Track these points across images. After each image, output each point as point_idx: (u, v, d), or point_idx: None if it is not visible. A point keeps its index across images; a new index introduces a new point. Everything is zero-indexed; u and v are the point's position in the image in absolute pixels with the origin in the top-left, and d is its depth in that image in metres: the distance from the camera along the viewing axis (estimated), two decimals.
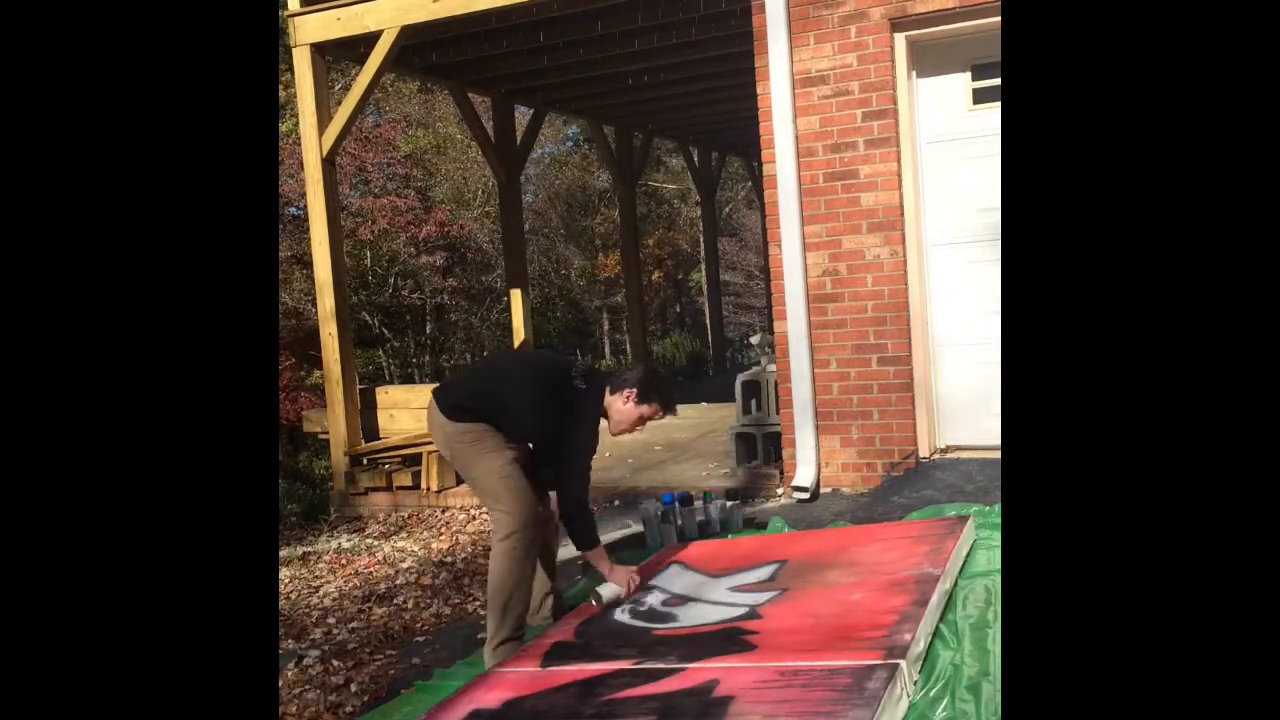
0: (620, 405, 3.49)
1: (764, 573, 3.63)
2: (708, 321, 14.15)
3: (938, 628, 2.94)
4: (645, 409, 3.51)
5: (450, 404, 3.42)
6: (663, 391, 3.57)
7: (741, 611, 3.26)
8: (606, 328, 19.50)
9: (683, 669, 2.79)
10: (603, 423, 3.56)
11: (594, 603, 3.45)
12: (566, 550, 4.58)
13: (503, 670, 3.07)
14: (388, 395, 7.34)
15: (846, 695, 2.42)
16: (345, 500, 6.69)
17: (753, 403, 5.88)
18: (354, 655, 3.95)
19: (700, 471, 6.20)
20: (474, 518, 6.09)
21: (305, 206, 8.35)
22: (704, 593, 3.55)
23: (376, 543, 5.83)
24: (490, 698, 2.85)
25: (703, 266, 15.13)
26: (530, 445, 3.52)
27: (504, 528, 3.35)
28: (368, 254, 14.89)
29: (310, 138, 6.53)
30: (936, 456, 5.01)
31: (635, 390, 3.48)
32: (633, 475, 6.33)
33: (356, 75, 7.03)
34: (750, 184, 16.75)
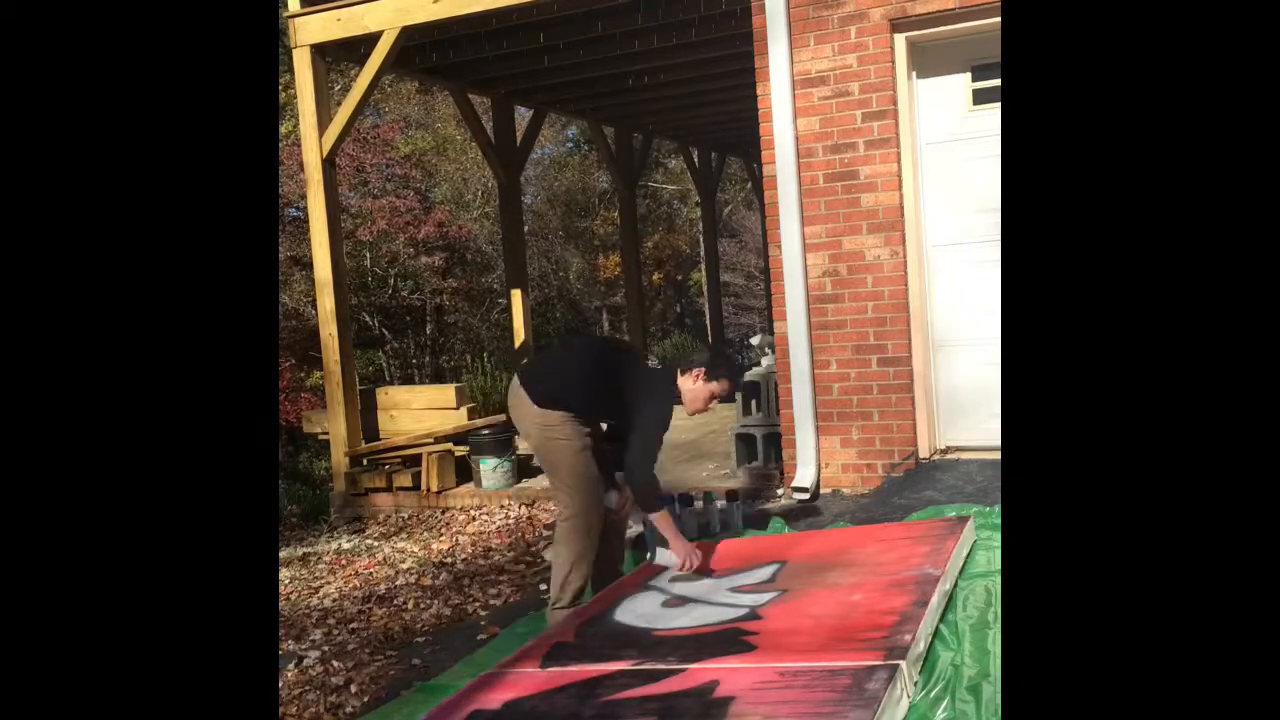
0: (690, 385, 3.67)
1: (764, 573, 3.63)
2: (708, 323, 14.14)
3: (938, 628, 2.94)
4: (714, 386, 3.67)
5: (540, 393, 3.62)
6: (730, 367, 3.78)
7: (742, 612, 3.25)
8: (606, 328, 19.49)
9: (683, 670, 2.79)
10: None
11: (649, 560, 3.72)
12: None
13: (503, 671, 3.07)
14: (388, 396, 7.34)
15: (847, 696, 2.42)
16: (345, 501, 6.69)
17: (753, 403, 5.88)
18: (354, 656, 3.95)
19: (701, 472, 6.20)
20: (474, 518, 6.09)
21: (305, 207, 8.36)
22: (704, 593, 3.55)
23: (377, 543, 5.83)
24: (491, 699, 2.84)
25: (703, 267, 15.13)
26: (604, 425, 3.77)
27: (566, 509, 3.64)
28: (367, 255, 14.89)
29: (310, 139, 6.53)
30: (936, 457, 5.01)
31: (704, 369, 3.65)
32: None
33: (356, 76, 7.03)
34: (750, 185, 16.75)
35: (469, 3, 6.03)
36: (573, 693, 2.78)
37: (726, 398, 3.83)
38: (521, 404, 3.68)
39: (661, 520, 3.64)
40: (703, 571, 3.66)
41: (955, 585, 3.30)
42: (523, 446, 7.09)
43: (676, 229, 20.32)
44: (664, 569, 3.68)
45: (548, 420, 3.61)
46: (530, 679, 2.94)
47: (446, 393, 7.21)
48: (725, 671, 2.71)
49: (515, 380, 3.77)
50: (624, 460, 3.60)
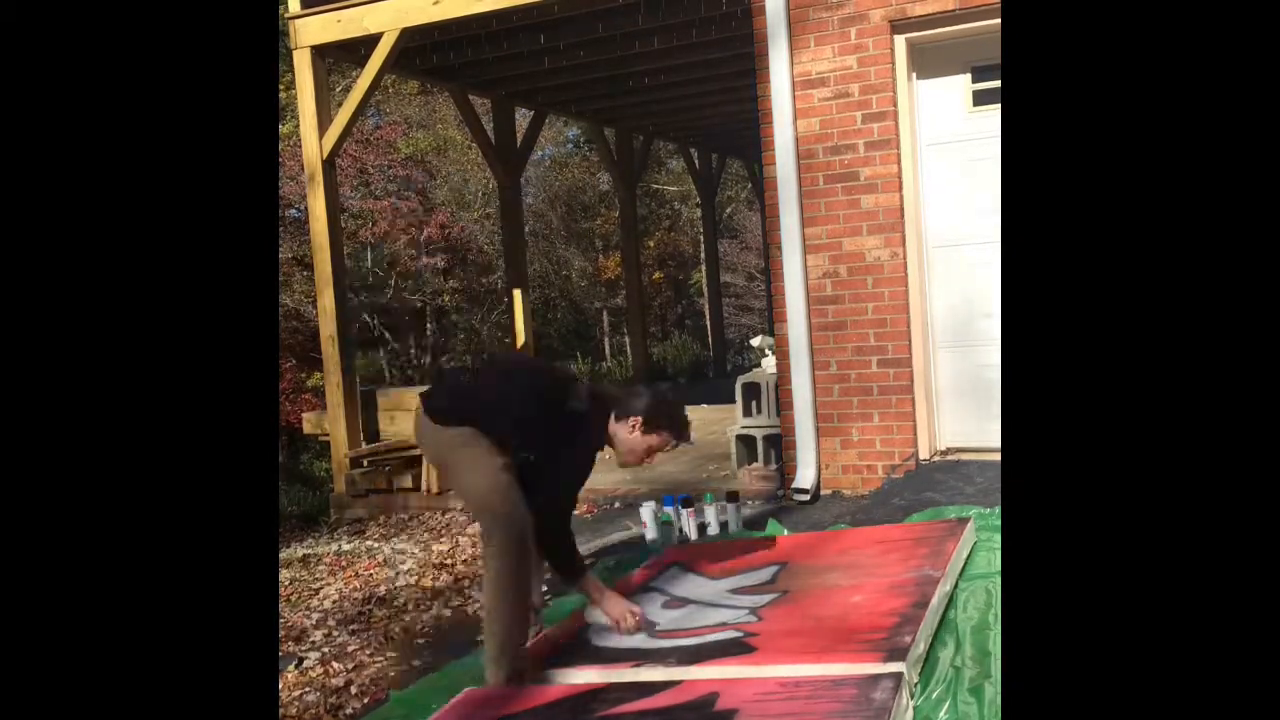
0: (625, 435, 3.19)
1: (764, 575, 3.62)
2: (708, 323, 14.15)
3: (938, 630, 2.94)
4: (654, 439, 3.20)
5: (437, 408, 3.13)
6: (672, 419, 3.24)
7: (742, 614, 3.25)
8: (607, 329, 19.50)
9: (679, 682, 2.75)
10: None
11: (588, 619, 3.27)
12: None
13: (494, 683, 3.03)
14: (388, 397, 7.34)
15: (853, 707, 2.39)
16: (345, 502, 6.68)
17: (753, 405, 5.88)
18: (354, 658, 3.95)
19: (700, 473, 6.20)
20: (474, 519, 6.09)
21: (306, 208, 8.36)
22: (704, 595, 3.54)
23: (376, 545, 5.83)
24: (481, 715, 2.80)
25: (703, 268, 15.13)
26: (515, 460, 3.14)
27: (496, 537, 3.03)
28: (368, 255, 14.89)
29: (310, 140, 6.54)
30: (937, 459, 5.01)
31: (640, 420, 3.17)
32: (633, 477, 6.33)
33: (357, 77, 7.04)
34: (751, 185, 16.76)
35: (469, 4, 6.04)
36: (568, 707, 2.74)
37: (669, 448, 3.31)
38: (421, 424, 3.17)
39: (588, 585, 3.18)
40: (642, 628, 3.15)
41: (956, 586, 3.30)
42: None
43: (677, 229, 20.32)
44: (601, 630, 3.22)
45: (453, 435, 3.08)
46: (521, 692, 2.91)
47: None
48: (725, 683, 2.68)
49: (418, 407, 3.21)
50: (538, 526, 3.03)
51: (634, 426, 3.17)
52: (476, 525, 5.83)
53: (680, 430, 3.25)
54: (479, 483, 3.05)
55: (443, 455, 3.18)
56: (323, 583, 5.15)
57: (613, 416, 3.20)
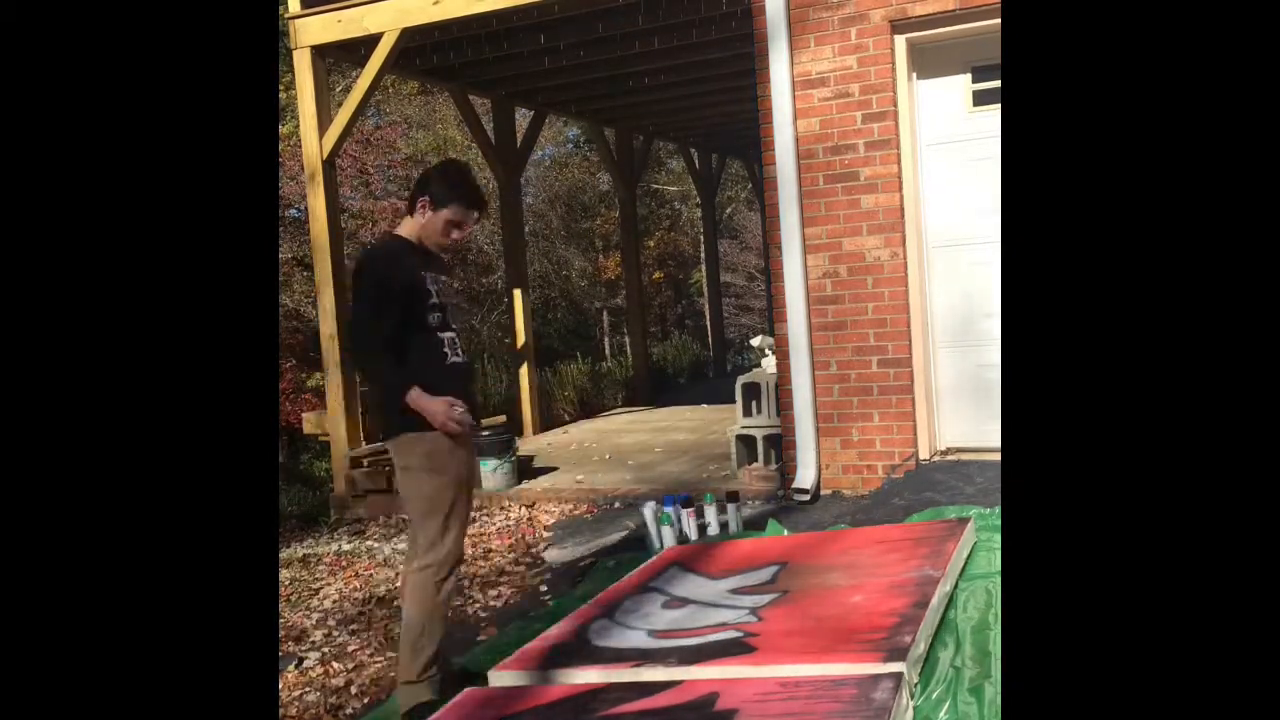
0: (421, 223, 3.05)
1: (764, 575, 3.63)
2: (708, 323, 14.15)
3: (938, 630, 2.94)
4: (447, 213, 3.03)
5: (360, 348, 3.06)
6: (456, 185, 3.06)
7: (742, 614, 3.25)
8: (607, 329, 19.50)
9: (679, 682, 2.75)
10: None
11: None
12: (567, 550, 4.59)
13: (495, 683, 3.04)
14: None
15: (853, 707, 2.40)
16: (345, 502, 6.68)
17: (753, 405, 5.88)
18: (354, 658, 3.95)
19: (701, 473, 6.20)
20: (474, 520, 6.08)
21: (306, 208, 8.36)
22: (704, 595, 3.54)
23: (377, 545, 5.83)
24: (481, 715, 2.80)
25: (703, 268, 15.13)
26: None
27: (423, 555, 3.04)
28: None
29: (310, 140, 6.54)
30: (937, 459, 5.01)
31: (428, 198, 3.02)
32: (633, 477, 6.33)
33: (357, 77, 7.04)
34: (751, 185, 16.76)
35: (469, 4, 6.04)
36: (568, 707, 2.74)
37: (472, 220, 3.12)
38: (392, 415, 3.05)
39: (412, 397, 2.96)
40: (466, 424, 3.03)
41: (955, 586, 3.30)
42: (522, 448, 7.10)
43: (678, 229, 20.33)
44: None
45: (395, 445, 3.03)
46: (521, 694, 2.91)
47: None
48: (726, 683, 2.68)
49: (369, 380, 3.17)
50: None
51: (424, 208, 3.04)
52: (476, 526, 5.83)
53: (471, 196, 3.09)
54: (419, 495, 3.04)
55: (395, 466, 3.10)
56: (323, 583, 5.15)
57: (405, 220, 3.11)
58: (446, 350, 3.10)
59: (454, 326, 3.18)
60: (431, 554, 3.04)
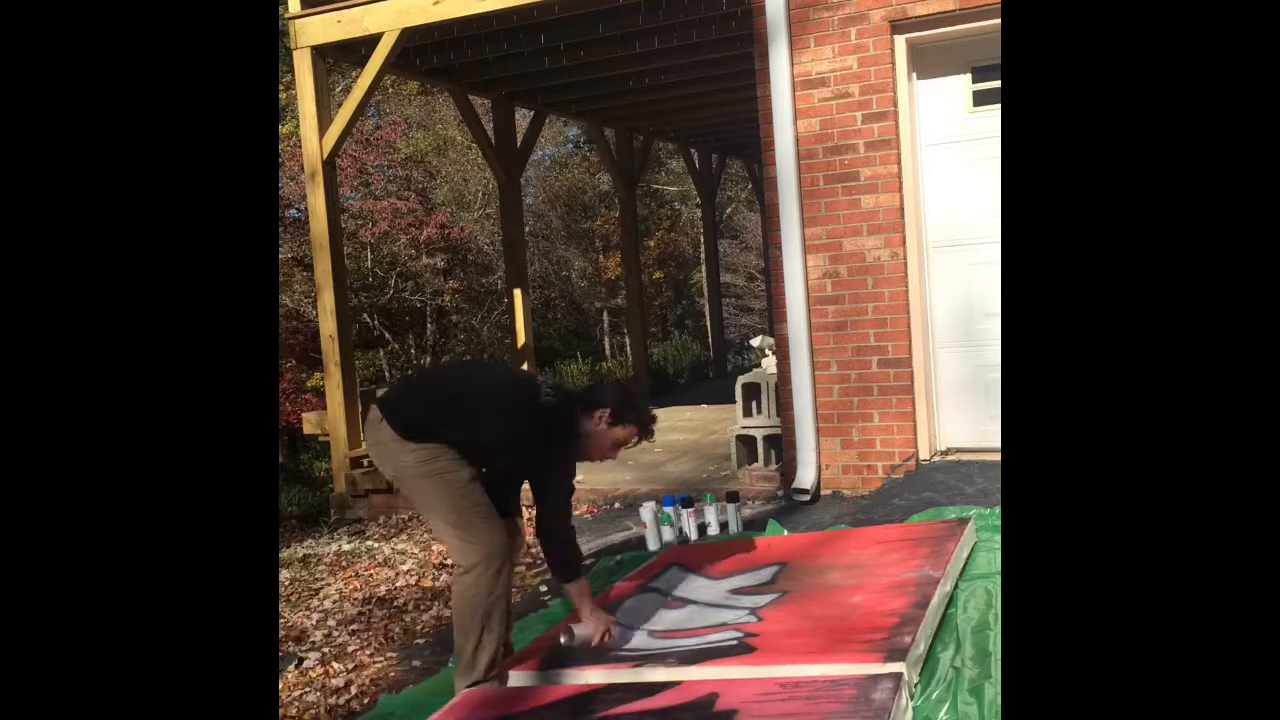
0: (593, 428, 3.08)
1: (764, 575, 3.63)
2: (708, 323, 14.15)
3: (938, 630, 2.94)
4: (619, 432, 3.11)
5: (404, 423, 2.96)
6: (640, 411, 3.15)
7: (742, 614, 3.25)
8: (607, 329, 19.50)
9: (679, 682, 2.75)
10: None
11: (563, 640, 3.06)
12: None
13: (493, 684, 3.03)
14: None
15: (854, 707, 2.40)
16: (345, 502, 6.68)
17: (753, 405, 5.88)
18: (354, 658, 3.95)
19: (700, 474, 6.20)
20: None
21: (305, 208, 8.36)
22: (704, 595, 3.54)
23: (377, 545, 5.83)
24: (481, 716, 2.80)
25: (703, 268, 15.13)
26: (487, 469, 3.08)
27: (468, 557, 2.94)
28: (368, 256, 14.89)
29: (310, 140, 6.53)
30: (937, 459, 5.01)
31: (609, 411, 3.08)
32: (633, 477, 6.33)
33: (357, 77, 7.04)
34: (751, 185, 16.76)
35: (469, 4, 6.04)
36: (568, 707, 2.74)
37: (633, 444, 3.21)
38: (379, 436, 2.99)
39: (579, 590, 3.08)
40: (607, 647, 3.07)
41: (956, 587, 3.30)
42: None
43: (678, 229, 20.33)
44: (572, 644, 3.06)
45: (418, 455, 2.93)
46: (519, 695, 2.91)
47: None
48: (726, 683, 2.68)
49: (374, 411, 3.04)
50: (537, 526, 3.02)
51: (600, 419, 3.08)
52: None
53: (646, 423, 3.17)
54: (448, 504, 2.95)
55: (404, 474, 2.99)
56: (323, 583, 5.15)
57: (579, 411, 3.10)
58: None
59: None
60: (474, 550, 2.96)
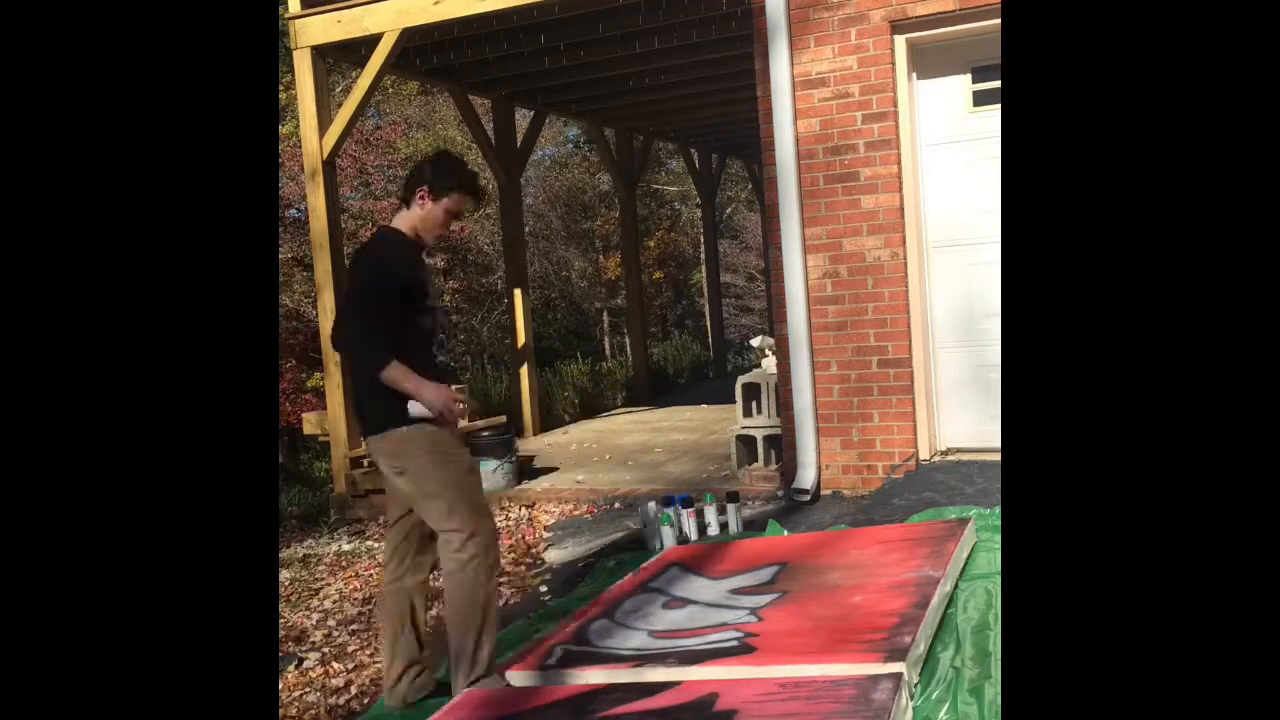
0: (420, 214, 3.04)
1: (764, 575, 3.63)
2: (708, 323, 14.15)
3: (938, 630, 2.94)
4: (447, 202, 3.05)
5: (364, 421, 3.01)
6: (455, 175, 3.07)
7: (742, 614, 3.25)
8: (607, 329, 19.50)
9: (679, 682, 2.75)
10: None
11: (412, 412, 2.91)
12: (564, 553, 4.59)
13: (497, 680, 3.03)
14: None
15: (854, 707, 2.40)
16: (345, 502, 6.68)
17: (753, 405, 5.88)
18: (354, 658, 3.95)
19: (701, 474, 6.20)
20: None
21: (305, 208, 8.36)
22: (704, 595, 3.54)
23: (377, 545, 5.83)
24: (481, 715, 2.80)
25: (703, 268, 15.13)
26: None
27: (462, 546, 2.91)
28: None
29: (310, 140, 6.54)
30: (937, 459, 5.01)
31: (427, 188, 3.02)
32: (633, 477, 6.33)
33: (357, 77, 7.04)
34: (751, 186, 16.77)
35: (469, 4, 6.04)
36: (568, 707, 2.74)
37: (468, 209, 3.16)
38: (368, 445, 3.03)
39: (397, 373, 2.87)
40: (459, 415, 3.02)
41: (955, 587, 3.30)
42: (522, 448, 7.09)
43: (678, 229, 20.33)
44: (423, 416, 2.93)
45: (412, 437, 2.94)
46: (520, 695, 2.91)
47: None
48: (726, 684, 2.68)
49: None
50: (335, 333, 2.97)
51: (423, 199, 3.04)
52: None
53: (470, 184, 3.09)
54: (450, 497, 2.94)
55: (408, 464, 2.95)
56: (323, 583, 5.15)
57: (402, 212, 3.09)
58: (435, 350, 3.09)
59: (444, 329, 3.16)
60: (472, 543, 2.92)
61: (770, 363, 5.83)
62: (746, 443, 5.86)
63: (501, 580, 4.71)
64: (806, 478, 5.00)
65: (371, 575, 5.14)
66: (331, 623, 4.43)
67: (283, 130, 13.02)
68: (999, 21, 3.66)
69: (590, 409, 10.36)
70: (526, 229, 13.49)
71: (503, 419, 7.25)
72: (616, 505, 5.76)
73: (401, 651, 3.10)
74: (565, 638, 3.29)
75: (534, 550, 5.12)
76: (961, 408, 5.07)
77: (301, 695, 3.63)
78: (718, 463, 6.39)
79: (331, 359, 6.65)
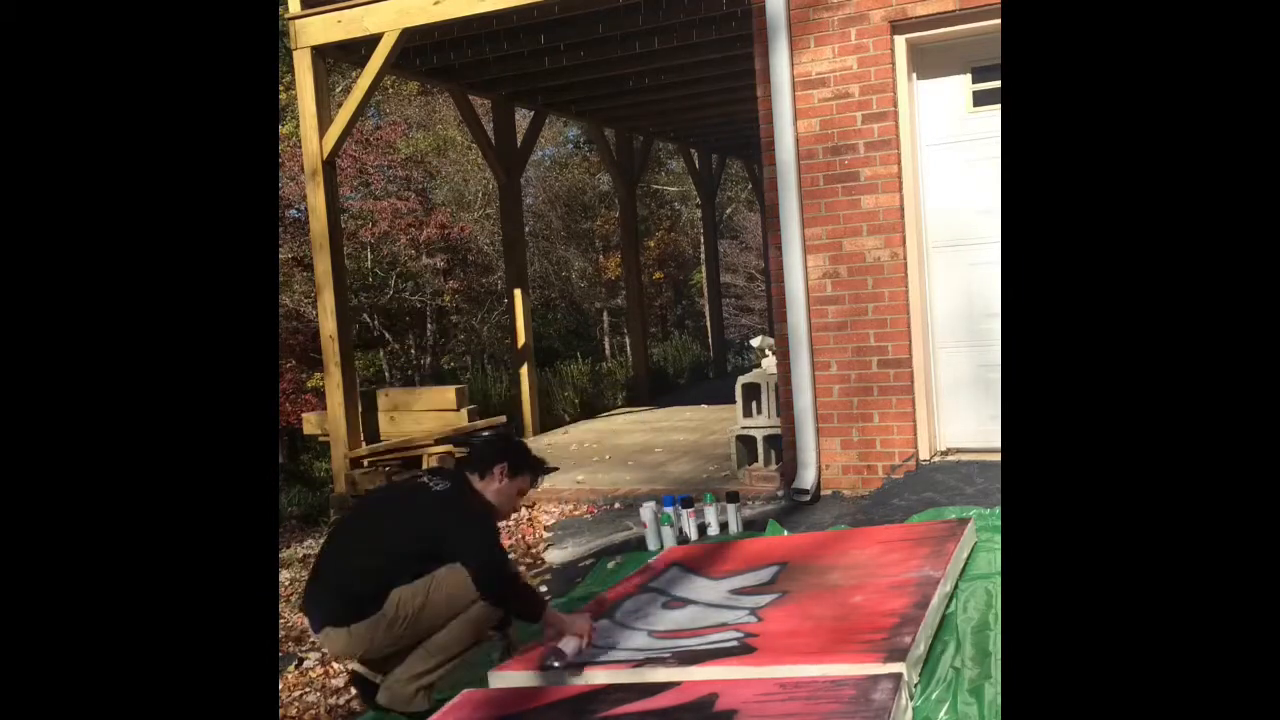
0: (496, 488, 3.19)
1: (764, 575, 3.63)
2: (708, 323, 14.15)
3: (938, 630, 2.94)
4: (521, 482, 3.26)
5: (339, 613, 2.95)
6: (528, 458, 3.31)
7: (742, 614, 3.25)
8: (607, 329, 19.50)
9: (679, 683, 2.75)
10: None
11: (555, 664, 2.97)
12: (562, 553, 4.59)
13: (494, 684, 3.03)
14: (388, 398, 7.35)
15: (853, 708, 2.40)
16: (345, 502, 6.68)
17: (753, 405, 5.88)
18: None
19: (700, 474, 6.20)
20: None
21: (306, 208, 8.36)
22: (704, 596, 3.54)
23: None
24: (481, 716, 2.79)
25: (703, 268, 15.13)
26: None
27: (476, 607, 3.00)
28: (368, 256, 14.90)
29: (311, 140, 6.54)
30: (937, 459, 5.01)
31: (505, 466, 3.20)
32: (633, 477, 6.33)
33: (357, 77, 7.04)
34: (751, 186, 16.76)
35: (469, 4, 6.04)
36: (568, 707, 2.74)
37: (534, 486, 3.38)
38: (335, 639, 2.98)
39: (551, 619, 3.08)
40: (596, 643, 3.12)
41: (956, 587, 3.30)
42: None
43: (678, 229, 20.33)
44: (566, 662, 2.99)
45: (374, 627, 2.93)
46: (520, 695, 2.91)
47: (447, 394, 7.22)
48: (725, 684, 2.67)
49: (311, 618, 3.06)
50: (483, 593, 2.97)
51: (500, 476, 3.19)
52: None
53: (537, 466, 3.34)
54: (448, 620, 2.98)
55: (378, 646, 2.97)
56: None
57: (474, 478, 3.18)
58: None
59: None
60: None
61: (770, 363, 5.83)
62: (746, 443, 5.86)
63: None
64: (806, 478, 5.00)
65: None
66: None
67: (283, 130, 13.02)
68: (999, 21, 3.66)
69: (590, 409, 10.37)
70: (526, 229, 13.50)
71: (503, 419, 7.26)
72: (616, 505, 5.76)
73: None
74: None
75: (534, 550, 5.12)
76: (961, 408, 5.07)
77: (301, 695, 3.63)
78: (718, 463, 6.39)
79: (331, 359, 6.65)
